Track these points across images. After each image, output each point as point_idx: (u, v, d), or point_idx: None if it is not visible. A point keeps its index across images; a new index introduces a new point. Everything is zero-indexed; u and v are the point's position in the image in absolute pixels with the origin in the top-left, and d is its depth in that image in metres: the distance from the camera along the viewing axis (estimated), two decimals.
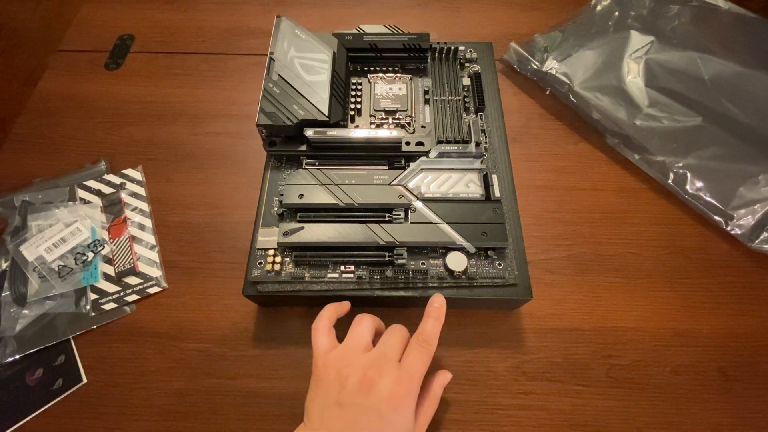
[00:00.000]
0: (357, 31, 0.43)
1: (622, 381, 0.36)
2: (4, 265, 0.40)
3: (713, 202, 0.41)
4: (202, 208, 0.44)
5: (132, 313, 0.39)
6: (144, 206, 0.44)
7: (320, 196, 0.35)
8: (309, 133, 0.36)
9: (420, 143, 0.38)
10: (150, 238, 0.42)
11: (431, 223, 0.34)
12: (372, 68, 0.44)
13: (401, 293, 0.34)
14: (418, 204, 0.35)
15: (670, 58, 0.47)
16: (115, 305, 0.39)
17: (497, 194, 0.36)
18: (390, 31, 0.43)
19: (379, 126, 0.41)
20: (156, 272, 0.40)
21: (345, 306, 0.32)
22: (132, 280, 0.40)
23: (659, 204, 0.44)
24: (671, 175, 0.43)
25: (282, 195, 0.36)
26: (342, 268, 0.34)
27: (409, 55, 0.44)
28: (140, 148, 0.47)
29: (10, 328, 0.37)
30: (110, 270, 0.40)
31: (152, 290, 0.40)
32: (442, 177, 0.37)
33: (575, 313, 0.38)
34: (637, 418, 0.34)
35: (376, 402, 0.25)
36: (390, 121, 0.41)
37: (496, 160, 0.39)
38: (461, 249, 0.34)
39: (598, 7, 0.52)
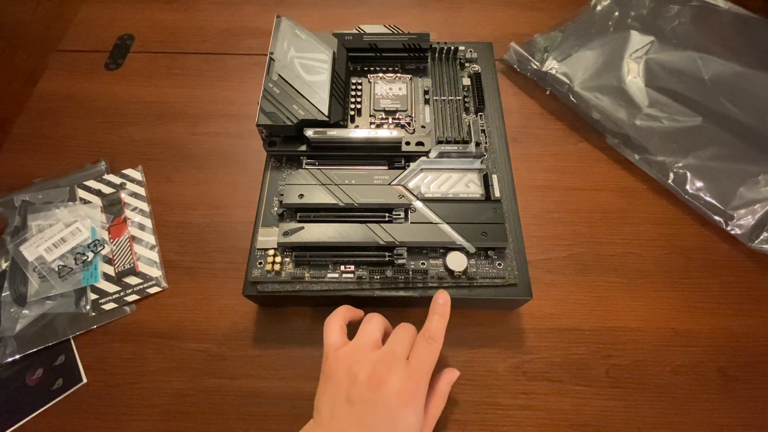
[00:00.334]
0: (357, 31, 0.43)
1: (622, 381, 0.36)
2: (4, 265, 0.40)
3: (713, 202, 0.41)
4: (202, 208, 0.44)
5: (132, 313, 0.39)
6: (144, 206, 0.44)
7: (320, 196, 0.35)
8: (309, 133, 0.36)
9: (420, 143, 0.38)
10: (150, 238, 0.42)
11: (431, 223, 0.34)
12: (372, 68, 0.44)
13: (401, 293, 0.34)
14: (418, 204, 0.35)
15: (670, 58, 0.47)
16: (115, 305, 0.39)
17: (497, 194, 0.36)
18: (390, 31, 0.43)
19: (379, 126, 0.41)
20: (156, 272, 0.40)
21: (359, 312, 0.32)
22: (132, 280, 0.40)
23: (659, 204, 0.44)
24: (671, 175, 0.43)
25: (282, 195, 0.36)
26: (342, 268, 0.34)
27: (409, 55, 0.44)
28: (140, 148, 0.47)
29: (10, 328, 0.37)
30: (110, 270, 0.40)
31: (152, 290, 0.40)
32: (442, 177, 0.37)
33: (575, 313, 0.38)
34: (637, 418, 0.34)
35: (386, 398, 0.25)
36: (390, 121, 0.41)
37: (496, 160, 0.39)
38: (461, 249, 0.34)
39: (598, 7, 0.52)
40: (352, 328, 0.31)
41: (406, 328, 0.30)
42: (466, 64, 0.45)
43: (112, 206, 0.43)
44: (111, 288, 0.39)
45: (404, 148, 0.38)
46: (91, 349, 0.37)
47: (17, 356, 0.37)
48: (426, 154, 0.38)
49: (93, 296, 0.39)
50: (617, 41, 0.49)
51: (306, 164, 0.38)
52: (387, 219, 0.35)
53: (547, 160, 0.46)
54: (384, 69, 0.44)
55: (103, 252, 0.41)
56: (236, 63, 0.54)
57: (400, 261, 0.34)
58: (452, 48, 0.44)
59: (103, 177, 0.45)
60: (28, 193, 0.43)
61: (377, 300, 0.35)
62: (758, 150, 0.43)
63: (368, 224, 0.34)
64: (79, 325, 0.38)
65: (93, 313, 0.38)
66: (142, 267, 0.40)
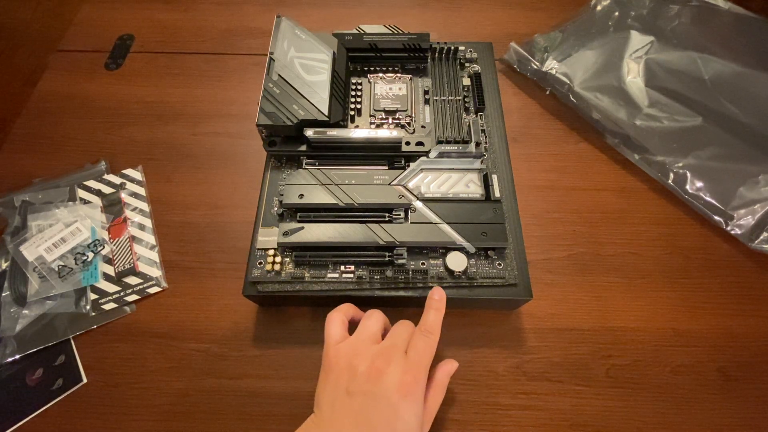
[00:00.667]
0: (357, 31, 0.43)
1: (622, 381, 0.36)
2: (4, 265, 0.40)
3: (713, 202, 0.41)
4: (202, 208, 0.44)
5: (132, 313, 0.39)
6: (144, 206, 0.44)
7: (320, 196, 0.35)
8: (309, 133, 0.36)
9: (420, 143, 0.38)
10: (150, 238, 0.42)
11: (431, 223, 0.34)
12: (372, 68, 0.44)
13: (401, 293, 0.34)
14: (418, 204, 0.35)
15: (670, 58, 0.47)
16: (115, 305, 0.39)
17: (497, 194, 0.36)
18: (390, 31, 0.43)
19: (379, 126, 0.41)
20: (156, 272, 0.40)
21: (361, 311, 0.33)
22: (132, 280, 0.40)
23: (659, 204, 0.44)
24: (671, 175, 0.43)
25: (282, 195, 0.36)
26: (342, 268, 0.34)
27: (409, 55, 0.44)
28: (140, 148, 0.47)
29: (10, 328, 0.37)
30: (110, 270, 0.40)
31: (152, 290, 0.40)
32: (442, 177, 0.37)
33: (575, 313, 0.38)
34: (637, 418, 0.34)
35: (386, 390, 0.26)
36: (390, 121, 0.41)
37: (496, 160, 0.39)
38: (461, 249, 0.34)
39: (598, 7, 0.52)
40: (352, 327, 0.31)
41: (404, 324, 0.30)
42: (466, 64, 0.45)
43: (112, 206, 0.43)
44: (111, 288, 0.39)
45: (404, 148, 0.38)
46: (91, 349, 0.37)
47: (17, 356, 0.37)
48: (426, 154, 0.38)
49: (93, 296, 0.39)
50: (617, 41, 0.49)
51: (306, 164, 0.38)
52: (387, 219, 0.35)
53: (547, 160, 0.46)
54: (384, 69, 0.44)
55: (103, 252, 0.41)
56: (236, 63, 0.54)
57: (400, 261, 0.34)
58: (452, 48, 0.44)
59: (103, 177, 0.45)
60: (28, 193, 0.43)
61: (377, 300, 0.35)
62: (758, 150, 0.43)
63: (368, 224, 0.34)
64: (79, 325, 0.38)
65: (93, 313, 0.38)
66: (142, 267, 0.40)
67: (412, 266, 0.34)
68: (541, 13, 0.57)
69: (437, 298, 0.31)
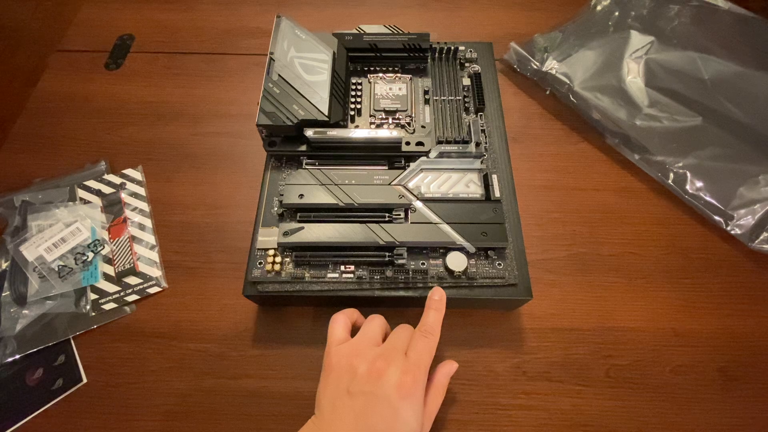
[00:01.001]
0: (357, 31, 0.43)
1: (622, 381, 0.36)
2: (4, 265, 0.40)
3: (713, 202, 0.41)
4: (202, 208, 0.44)
5: (132, 313, 0.39)
6: (144, 206, 0.44)
7: (320, 196, 0.35)
8: (309, 133, 0.36)
9: (420, 143, 0.38)
10: (150, 238, 0.42)
11: (431, 223, 0.34)
12: (372, 68, 0.44)
13: (401, 293, 0.34)
14: (418, 204, 0.35)
15: (670, 58, 0.47)
16: (115, 305, 0.39)
17: (497, 194, 0.36)
18: (390, 31, 0.43)
19: (379, 126, 0.41)
20: (156, 272, 0.40)
21: (364, 318, 0.33)
22: (132, 280, 0.40)
23: (659, 204, 0.44)
24: (671, 175, 0.43)
25: (282, 195, 0.36)
26: (342, 268, 0.34)
27: (409, 55, 0.44)
28: (140, 148, 0.47)
29: (10, 328, 0.37)
30: (110, 270, 0.40)
31: (152, 290, 0.40)
32: (442, 177, 0.37)
33: (575, 313, 0.38)
34: (637, 418, 0.34)
35: (386, 390, 0.26)
36: (390, 121, 0.41)
37: (496, 160, 0.39)
38: (461, 249, 0.34)
39: (598, 7, 0.52)
40: (354, 332, 0.31)
41: (404, 327, 0.30)
42: (466, 64, 0.45)
43: (112, 206, 0.43)
44: (111, 288, 0.39)
45: (404, 148, 0.38)
46: (91, 349, 0.37)
47: (17, 356, 0.37)
48: (426, 154, 0.38)
49: (93, 296, 0.39)
50: (617, 41, 0.49)
51: (306, 164, 0.38)
52: (387, 219, 0.35)
53: (547, 160, 0.46)
54: (384, 69, 0.44)
55: (103, 252, 0.41)
56: (236, 63, 0.54)
57: (400, 261, 0.34)
58: (452, 48, 0.44)
59: (103, 177, 0.45)
60: (28, 193, 0.43)
61: (377, 300, 0.35)
62: (758, 150, 0.43)
63: (368, 224, 0.34)
64: (79, 325, 0.38)
65: (93, 313, 0.38)
66: (142, 267, 0.40)
67: (412, 266, 0.34)
68: (541, 13, 0.57)
69: (437, 298, 0.31)
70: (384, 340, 0.30)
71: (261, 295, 0.35)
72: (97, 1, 0.59)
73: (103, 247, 0.41)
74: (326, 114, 0.37)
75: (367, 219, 0.35)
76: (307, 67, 0.39)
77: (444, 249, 0.35)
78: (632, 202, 0.44)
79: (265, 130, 0.37)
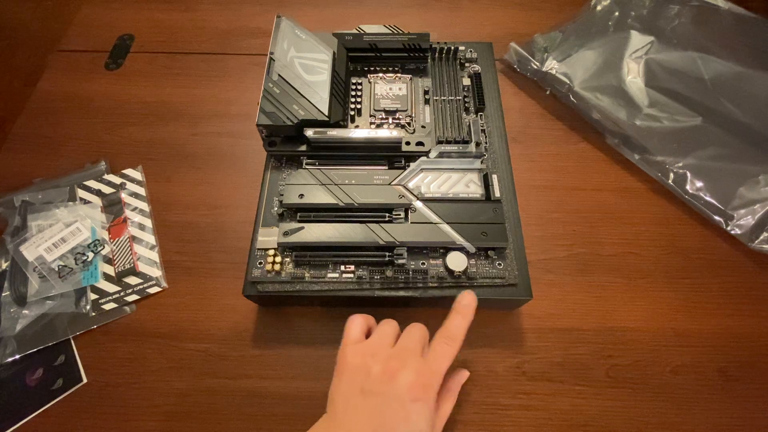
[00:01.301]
0: (357, 31, 0.43)
1: (622, 381, 0.36)
2: (4, 265, 0.40)
3: (713, 202, 0.41)
4: (202, 208, 0.44)
5: (132, 313, 0.39)
6: (144, 206, 0.44)
7: (320, 196, 0.35)
8: (309, 133, 0.36)
9: (420, 143, 0.38)
10: (150, 238, 0.42)
11: (431, 223, 0.34)
12: (372, 68, 0.44)
13: (401, 293, 0.34)
14: (418, 204, 0.35)
15: (670, 58, 0.47)
16: (115, 305, 0.39)
17: (497, 194, 0.36)
18: (390, 31, 0.43)
19: (379, 126, 0.41)
20: (156, 272, 0.40)
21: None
22: (132, 280, 0.40)
23: (659, 204, 0.44)
24: (671, 175, 0.43)
25: (282, 195, 0.36)
26: (342, 268, 0.34)
27: (409, 55, 0.44)
28: (140, 148, 0.47)
29: (10, 328, 0.37)
30: (110, 270, 0.40)
31: (152, 290, 0.40)
32: (442, 177, 0.37)
33: (575, 313, 0.38)
34: (637, 418, 0.34)
35: (398, 391, 0.26)
36: (390, 121, 0.41)
37: (496, 160, 0.39)
38: (461, 249, 0.34)
39: (598, 7, 0.52)
40: (367, 338, 0.31)
41: (418, 327, 0.30)
42: (466, 64, 0.45)
43: (112, 206, 0.43)
44: (111, 288, 0.39)
45: (404, 148, 0.38)
46: (91, 349, 0.37)
47: (17, 356, 0.37)
48: (426, 154, 0.38)
49: (93, 296, 0.39)
50: (617, 41, 0.49)
51: (306, 164, 0.38)
52: (387, 219, 0.35)
53: (547, 160, 0.46)
54: (384, 69, 0.44)
55: (103, 252, 0.41)
56: (236, 63, 0.54)
57: (400, 261, 0.34)
58: (452, 48, 0.44)
59: (103, 177, 0.45)
60: (28, 193, 0.43)
61: (377, 300, 0.35)
62: (758, 150, 0.43)
63: (368, 224, 0.34)
64: (79, 325, 0.38)
65: (93, 313, 0.38)
66: (142, 267, 0.40)
67: (412, 266, 0.34)
68: (541, 13, 0.57)
69: (465, 303, 0.30)
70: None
71: (261, 295, 0.35)
72: (97, 1, 0.59)
73: (103, 247, 0.41)
74: (326, 114, 0.37)
75: (367, 219, 0.35)
76: (307, 67, 0.39)
77: (444, 249, 0.35)
78: (632, 202, 0.44)
79: (265, 130, 0.37)
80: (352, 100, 0.42)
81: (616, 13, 0.51)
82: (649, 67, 0.47)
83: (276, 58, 0.39)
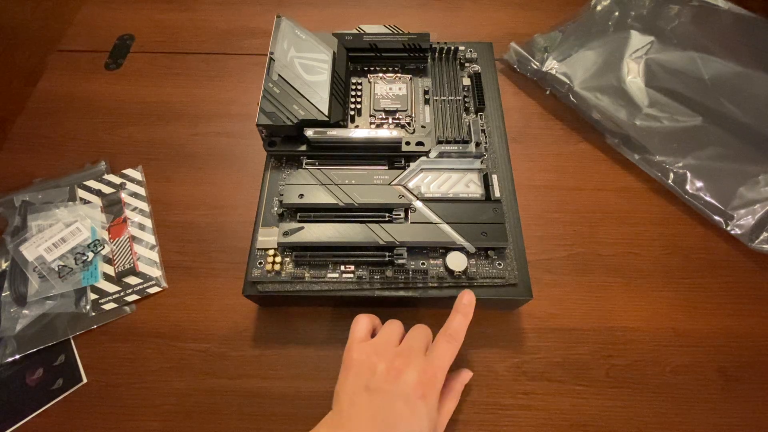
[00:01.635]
0: (357, 31, 0.43)
1: (622, 381, 0.36)
2: (4, 265, 0.40)
3: (713, 202, 0.41)
4: (202, 208, 0.44)
5: (132, 313, 0.39)
6: (144, 206, 0.44)
7: (320, 196, 0.35)
8: (309, 133, 0.36)
9: (420, 143, 0.38)
10: (150, 238, 0.42)
11: (431, 223, 0.34)
12: (372, 68, 0.44)
13: (401, 293, 0.34)
14: (418, 204, 0.35)
15: (670, 58, 0.47)
16: (115, 305, 0.39)
17: (497, 194, 0.36)
18: (390, 31, 0.43)
19: (379, 126, 0.41)
20: (156, 272, 0.40)
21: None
22: (132, 280, 0.40)
23: (659, 204, 0.44)
24: (671, 175, 0.43)
25: (282, 195, 0.36)
26: (342, 268, 0.34)
27: (409, 55, 0.44)
28: (140, 148, 0.47)
29: (10, 328, 0.37)
30: (110, 270, 0.40)
31: (152, 290, 0.40)
32: (442, 177, 0.37)
33: (575, 313, 0.38)
34: (637, 418, 0.34)
35: (404, 389, 0.26)
36: (390, 121, 0.41)
37: (496, 160, 0.39)
38: (461, 249, 0.34)
39: (598, 7, 0.52)
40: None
41: (422, 328, 0.30)
42: (466, 64, 0.45)
43: (112, 206, 0.43)
44: (111, 288, 0.39)
45: (404, 148, 0.38)
46: (91, 349, 0.37)
47: (17, 356, 0.37)
48: (426, 154, 0.38)
49: (93, 296, 0.39)
50: (617, 41, 0.49)
51: (306, 164, 0.38)
52: (387, 219, 0.35)
53: (547, 160, 0.46)
54: (384, 69, 0.44)
55: (103, 252, 0.41)
56: (236, 63, 0.54)
57: (400, 261, 0.34)
58: (452, 48, 0.44)
59: (103, 177, 0.45)
60: (28, 193, 0.43)
61: (377, 300, 0.35)
62: (758, 150, 0.43)
63: (368, 224, 0.34)
64: (79, 325, 0.38)
65: (93, 313, 0.38)
66: (142, 267, 0.40)
67: (412, 266, 0.34)
68: (541, 13, 0.57)
69: (465, 302, 0.31)
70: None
71: (261, 295, 0.35)
72: (97, 1, 0.59)
73: (103, 247, 0.41)
74: (326, 114, 0.37)
75: (367, 219, 0.35)
76: (307, 67, 0.39)
77: (444, 249, 0.35)
78: (632, 202, 0.44)
79: (265, 130, 0.37)
80: (352, 100, 0.42)
81: (616, 13, 0.51)
82: (649, 67, 0.47)
83: (276, 58, 0.39)
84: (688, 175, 0.42)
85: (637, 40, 0.49)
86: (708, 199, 0.41)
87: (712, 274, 0.40)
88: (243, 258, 0.35)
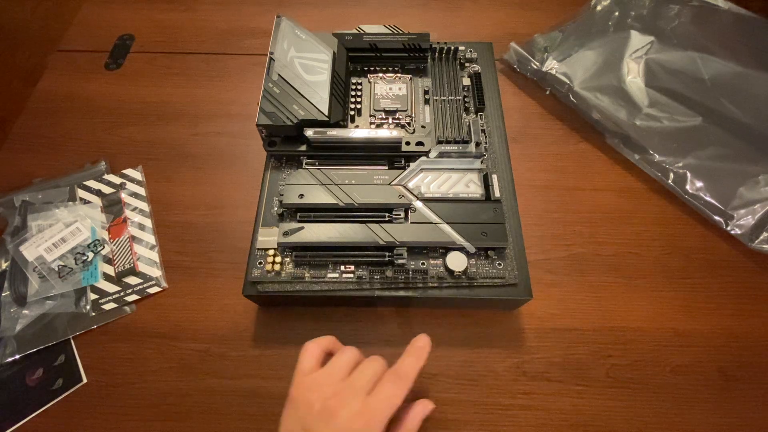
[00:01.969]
0: (357, 31, 0.43)
1: (622, 381, 0.36)
2: (4, 265, 0.40)
3: (713, 202, 0.41)
4: (202, 208, 0.44)
5: (132, 313, 0.39)
6: (144, 206, 0.44)
7: (320, 196, 0.35)
8: (309, 133, 0.36)
9: (420, 143, 0.38)
10: (150, 238, 0.42)
11: (431, 223, 0.34)
12: (372, 68, 0.44)
13: (401, 293, 0.34)
14: (418, 204, 0.35)
15: (670, 58, 0.47)
16: (115, 305, 0.39)
17: (497, 194, 0.36)
18: (390, 31, 0.43)
19: (379, 126, 0.41)
20: (156, 272, 0.40)
21: (341, 346, 0.31)
22: (132, 280, 0.40)
23: (659, 204, 0.44)
24: (671, 175, 0.43)
25: (282, 195, 0.36)
26: (342, 268, 0.34)
27: (409, 55, 0.44)
28: (140, 148, 0.47)
29: (10, 328, 0.37)
30: (110, 270, 0.40)
31: (152, 290, 0.40)
32: (442, 177, 0.37)
33: (575, 313, 0.38)
34: (637, 418, 0.34)
35: (335, 431, 0.25)
36: (390, 121, 0.41)
37: (496, 160, 0.39)
38: (461, 249, 0.34)
39: (598, 7, 0.52)
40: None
41: (375, 361, 0.28)
42: (466, 64, 0.45)
43: (112, 206, 0.43)
44: (111, 288, 0.39)
45: (404, 148, 0.38)
46: (91, 349, 0.37)
47: (17, 356, 0.37)
48: (426, 154, 0.38)
49: (93, 296, 0.39)
50: (617, 41, 0.49)
51: (306, 164, 0.38)
52: (387, 219, 0.35)
53: (547, 160, 0.46)
54: (384, 69, 0.44)
55: (103, 252, 0.41)
56: (236, 63, 0.54)
57: (400, 261, 0.34)
58: (452, 48, 0.44)
59: (103, 177, 0.45)
60: (28, 193, 0.43)
61: (377, 300, 0.35)
62: (758, 150, 0.43)
63: (368, 224, 0.34)
64: (79, 325, 0.38)
65: (93, 313, 0.38)
66: (142, 267, 0.40)
67: (412, 266, 0.34)
68: (541, 13, 0.57)
69: (419, 345, 0.29)
70: None
71: (261, 295, 0.35)
72: (97, 1, 0.59)
73: (103, 247, 0.41)
74: (326, 114, 0.37)
75: (367, 219, 0.35)
76: (307, 67, 0.39)
77: (444, 249, 0.35)
78: (632, 202, 0.44)
79: (265, 130, 0.37)
80: (352, 100, 0.42)
81: (616, 13, 0.51)
82: (649, 67, 0.47)
83: (276, 58, 0.39)
84: (688, 175, 0.42)
85: (637, 40, 0.49)
86: (708, 199, 0.41)
87: (712, 274, 0.40)
88: (243, 258, 0.35)
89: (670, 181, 0.43)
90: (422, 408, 0.29)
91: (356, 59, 0.44)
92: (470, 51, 0.45)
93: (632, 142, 0.45)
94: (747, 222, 0.40)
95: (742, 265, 0.40)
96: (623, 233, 0.42)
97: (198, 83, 0.52)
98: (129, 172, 0.46)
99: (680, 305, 0.39)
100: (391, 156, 0.38)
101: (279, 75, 0.38)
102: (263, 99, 0.37)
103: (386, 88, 0.43)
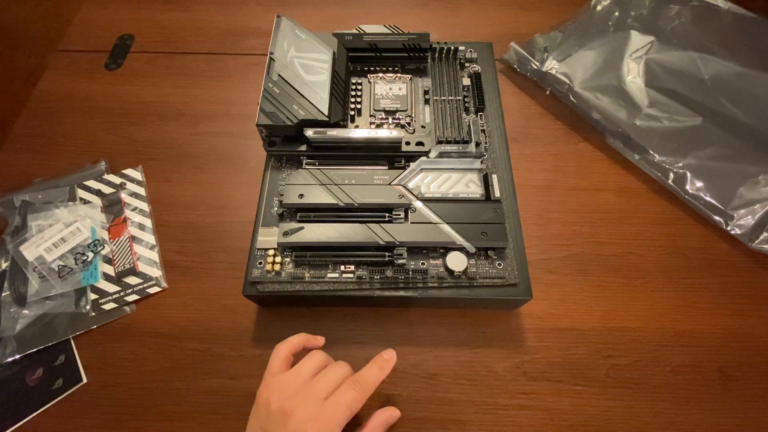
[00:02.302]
0: (357, 31, 0.43)
1: (622, 381, 0.36)
2: (4, 265, 0.40)
3: (713, 202, 0.41)
4: (202, 208, 0.44)
5: (132, 313, 0.39)
6: (144, 206, 0.44)
7: (320, 196, 0.35)
8: (309, 133, 0.36)
9: (420, 143, 0.38)
10: (150, 238, 0.42)
11: (431, 223, 0.34)
12: (372, 68, 0.44)
13: (401, 293, 0.34)
14: (418, 204, 0.35)
15: (670, 58, 0.47)
16: (115, 305, 0.39)
17: (497, 194, 0.36)
18: (390, 31, 0.43)
19: (379, 126, 0.41)
20: (156, 272, 0.40)
21: (319, 341, 0.32)
22: (132, 280, 0.40)
23: (659, 204, 0.44)
24: (671, 175, 0.43)
25: (282, 195, 0.36)
26: (342, 268, 0.34)
27: (409, 55, 0.44)
28: (140, 148, 0.47)
29: (10, 328, 0.37)
30: (110, 270, 0.40)
31: (152, 290, 0.40)
32: (442, 177, 0.37)
33: (575, 313, 0.38)
34: (637, 418, 0.34)
35: None
36: (390, 121, 0.41)
37: (496, 160, 0.39)
38: (461, 249, 0.34)
39: (598, 7, 0.52)
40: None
41: (340, 366, 0.29)
42: (466, 64, 0.45)
43: (112, 206, 0.43)
44: (111, 288, 0.39)
45: (404, 148, 0.38)
46: (91, 349, 0.37)
47: (17, 356, 0.37)
48: (426, 154, 0.38)
49: (93, 296, 0.39)
50: (617, 41, 0.49)
51: (306, 164, 0.38)
52: (387, 219, 0.35)
53: (547, 160, 0.46)
54: (384, 69, 0.44)
55: (103, 252, 0.41)
56: (236, 63, 0.54)
57: (400, 261, 0.34)
58: (452, 48, 0.44)
59: (103, 177, 0.45)
60: (28, 193, 0.43)
61: (377, 300, 0.35)
62: (758, 150, 0.43)
63: (368, 224, 0.34)
64: (79, 325, 0.38)
65: (93, 313, 0.38)
66: (142, 267, 0.40)
67: (412, 266, 0.34)
68: (541, 13, 0.57)
69: (386, 358, 0.30)
70: None
71: (261, 295, 0.35)
72: (97, 1, 0.59)
73: (103, 247, 0.41)
74: (326, 114, 0.37)
75: (367, 219, 0.35)
76: (307, 67, 0.39)
77: (444, 249, 0.35)
78: (632, 202, 0.44)
79: (265, 130, 0.37)
80: (352, 100, 0.42)
81: (616, 13, 0.51)
82: (649, 67, 0.47)
83: (276, 58, 0.39)
84: (688, 175, 0.42)
85: (637, 40, 0.49)
86: (708, 199, 0.41)
87: (712, 274, 0.40)
88: (243, 258, 0.35)
89: (670, 181, 0.43)
90: (387, 415, 0.30)
91: (356, 59, 0.44)
92: (470, 51, 0.45)
93: (632, 142, 0.45)
94: (747, 222, 0.40)
95: (742, 265, 0.40)
96: (623, 233, 0.42)
97: (198, 83, 0.52)
98: (129, 172, 0.46)
99: (680, 305, 0.39)
100: (391, 156, 0.38)
101: (279, 75, 0.38)
102: (263, 99, 0.37)
103: (386, 88, 0.43)
